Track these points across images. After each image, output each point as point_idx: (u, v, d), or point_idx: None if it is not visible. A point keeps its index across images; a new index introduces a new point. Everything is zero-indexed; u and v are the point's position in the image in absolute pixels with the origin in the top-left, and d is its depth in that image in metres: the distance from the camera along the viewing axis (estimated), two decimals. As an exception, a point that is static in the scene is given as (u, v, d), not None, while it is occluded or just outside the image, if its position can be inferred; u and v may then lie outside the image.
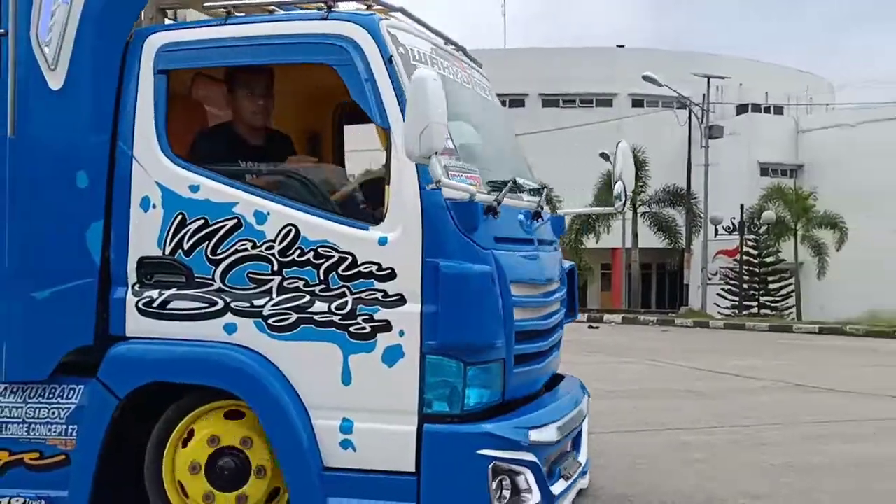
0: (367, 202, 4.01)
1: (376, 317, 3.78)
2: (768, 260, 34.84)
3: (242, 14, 4.21)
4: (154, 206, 4.04)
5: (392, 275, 3.77)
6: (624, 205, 4.90)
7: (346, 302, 3.81)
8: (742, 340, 19.75)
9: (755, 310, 33.02)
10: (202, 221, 3.98)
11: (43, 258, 4.02)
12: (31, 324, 4.01)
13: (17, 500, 4.05)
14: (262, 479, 3.97)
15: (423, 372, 3.74)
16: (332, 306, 3.82)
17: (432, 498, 3.71)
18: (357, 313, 3.80)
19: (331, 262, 3.83)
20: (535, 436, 3.95)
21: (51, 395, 4.08)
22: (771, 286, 34.76)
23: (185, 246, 3.99)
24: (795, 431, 7.69)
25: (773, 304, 34.28)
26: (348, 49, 3.87)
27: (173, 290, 4.01)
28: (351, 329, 3.80)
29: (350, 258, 3.81)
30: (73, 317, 4.03)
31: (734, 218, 33.89)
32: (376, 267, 3.78)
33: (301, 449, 3.80)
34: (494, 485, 3.74)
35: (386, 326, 3.77)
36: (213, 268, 3.96)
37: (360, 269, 3.80)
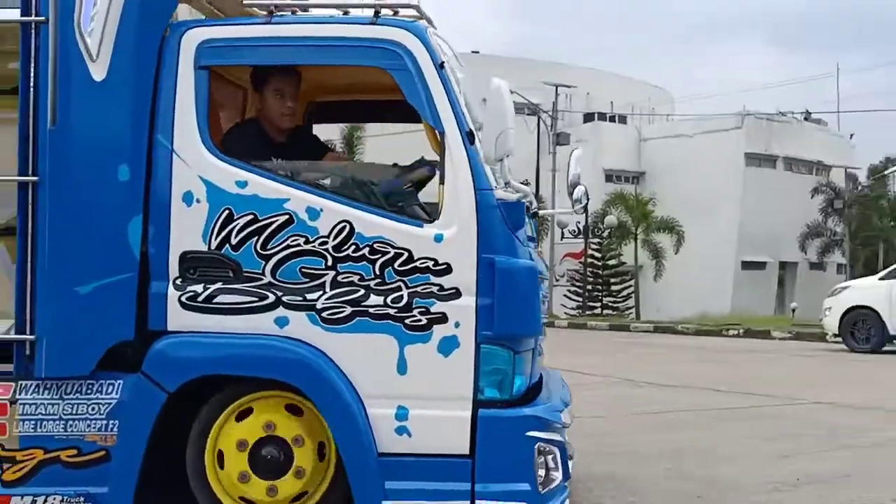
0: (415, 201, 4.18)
1: (432, 309, 3.96)
2: (610, 262, 36.69)
3: (286, 13, 4.27)
4: (198, 201, 4.06)
5: (448, 270, 3.96)
6: (585, 207, 5.13)
7: (402, 295, 3.97)
8: (583, 339, 20.79)
9: (598, 310, 34.70)
10: (251, 217, 4.03)
11: (85, 252, 3.95)
12: (72, 319, 3.93)
13: (55, 499, 3.97)
14: (298, 480, 4.05)
15: (477, 360, 3.96)
16: (388, 299, 3.97)
17: (486, 478, 3.93)
18: (413, 306, 3.96)
19: (387, 257, 3.98)
20: (563, 418, 4.27)
21: (88, 391, 4.01)
22: (613, 287, 36.61)
23: (233, 241, 4.03)
24: (625, 421, 8.33)
25: (614, 305, 36.12)
26: (402, 54, 4.03)
27: (219, 285, 4.04)
28: (407, 321, 3.97)
29: (406, 254, 3.97)
30: (115, 311, 3.98)
31: (579, 222, 35.43)
32: (433, 262, 3.97)
33: (360, 437, 3.92)
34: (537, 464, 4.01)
35: (442, 318, 3.96)
36: (263, 262, 4.02)
37: (417, 264, 3.97)
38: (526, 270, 4.01)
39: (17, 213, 3.94)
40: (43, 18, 3.89)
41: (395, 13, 4.17)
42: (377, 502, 3.90)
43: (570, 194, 4.82)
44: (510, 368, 4.01)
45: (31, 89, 3.89)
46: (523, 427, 3.98)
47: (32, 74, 3.89)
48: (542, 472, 4.05)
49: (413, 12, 4.17)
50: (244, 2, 4.25)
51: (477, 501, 3.90)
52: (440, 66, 4.04)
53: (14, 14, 3.97)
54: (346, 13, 4.21)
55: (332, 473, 4.09)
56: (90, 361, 3.98)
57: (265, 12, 4.20)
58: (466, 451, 3.95)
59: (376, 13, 4.14)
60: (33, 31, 3.91)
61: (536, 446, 3.99)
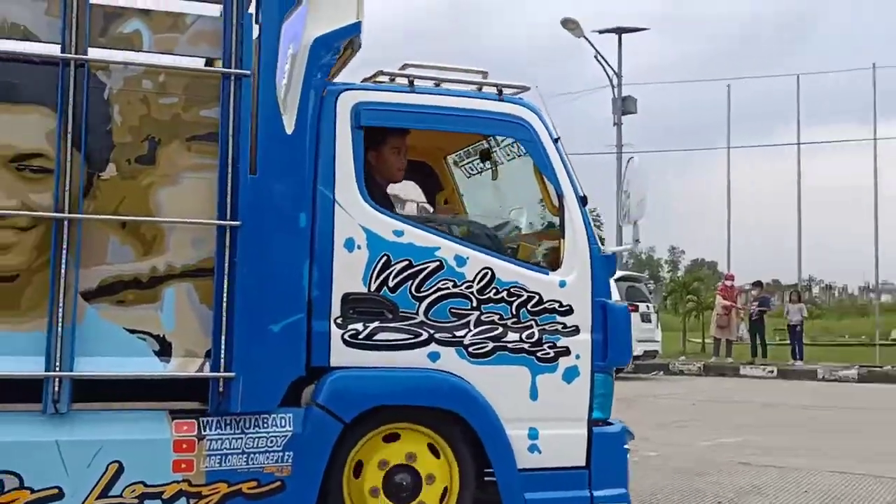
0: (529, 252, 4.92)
1: (558, 344, 4.71)
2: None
3: (427, 84, 4.79)
4: (359, 247, 4.44)
5: (570, 310, 4.74)
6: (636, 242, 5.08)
7: (534, 332, 4.67)
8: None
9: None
10: (406, 262, 4.50)
11: (275, 293, 4.17)
12: (264, 356, 4.13)
13: (232, 531, 4.09)
14: (432, 486, 4.56)
15: (592, 386, 4.77)
16: (523, 336, 4.65)
17: (599, 485, 4.73)
18: (543, 341, 4.68)
19: (521, 299, 4.66)
20: None
21: (265, 425, 4.19)
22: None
23: (391, 283, 4.47)
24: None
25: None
26: (528, 128, 4.79)
27: (378, 323, 4.45)
28: (538, 354, 4.67)
29: (537, 297, 4.69)
30: (295, 349, 4.24)
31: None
32: (558, 304, 4.72)
33: (508, 455, 4.54)
34: None
35: (566, 351, 4.72)
36: (418, 303, 4.50)
37: (546, 305, 4.70)
38: (626, 311, 4.92)
39: (216, 256, 4.06)
40: (247, 72, 4.09)
41: (516, 92, 4.92)
42: (522, 508, 4.55)
43: (629, 220, 5.05)
44: (610, 392, 4.87)
45: (231, 138, 4.06)
46: (622, 440, 4.86)
47: (232, 124, 4.06)
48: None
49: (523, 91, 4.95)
50: (384, 70, 4.73)
51: None
52: (556, 141, 4.84)
53: (216, 65, 4.11)
54: (480, 89, 4.83)
55: None
56: (277, 396, 4.19)
57: (406, 81, 4.71)
58: (583, 463, 4.73)
59: (500, 91, 4.85)
60: (233, 83, 4.08)
61: (628, 455, 4.89)
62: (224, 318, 4.04)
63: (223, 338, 4.04)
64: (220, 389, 4.06)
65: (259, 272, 4.11)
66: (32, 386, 3.91)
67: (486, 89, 4.87)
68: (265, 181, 4.15)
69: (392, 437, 4.51)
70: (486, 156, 5.51)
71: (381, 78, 4.82)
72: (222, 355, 4.04)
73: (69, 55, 3.88)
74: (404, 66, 4.77)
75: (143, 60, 4.03)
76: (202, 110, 4.09)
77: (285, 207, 4.23)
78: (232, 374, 4.05)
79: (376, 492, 4.44)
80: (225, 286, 4.05)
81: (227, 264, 4.05)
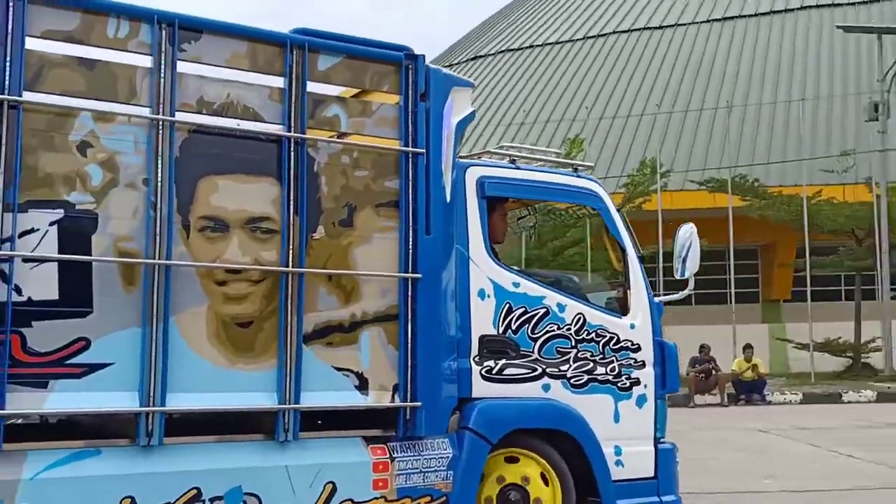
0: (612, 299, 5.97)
1: (632, 376, 5.76)
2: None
3: (525, 162, 5.78)
4: (488, 296, 5.33)
5: (639, 348, 5.82)
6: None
7: (615, 366, 5.70)
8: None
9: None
10: (523, 309, 5.43)
11: (443, 335, 4.98)
12: (439, 388, 4.91)
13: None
14: None
15: (656, 410, 5.85)
16: (608, 369, 5.67)
17: (663, 492, 5.80)
18: (621, 374, 5.72)
19: (605, 339, 5.69)
20: None
21: (433, 447, 4.93)
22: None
23: (514, 327, 5.37)
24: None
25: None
26: (600, 198, 5.89)
27: (504, 361, 5.32)
28: (618, 385, 5.70)
29: (615, 337, 5.74)
30: (455, 383, 5.04)
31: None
32: (630, 343, 5.79)
33: (607, 469, 5.51)
34: None
35: (637, 382, 5.78)
36: (533, 343, 5.43)
37: (622, 344, 5.75)
38: (675, 348, 6.05)
39: (399, 303, 4.80)
40: (422, 150, 4.92)
41: (575, 169, 6.02)
42: (616, 513, 5.53)
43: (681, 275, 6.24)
44: (665, 414, 5.96)
45: (409, 204, 4.87)
46: (675, 454, 5.95)
47: (410, 193, 4.87)
48: None
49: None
50: (491, 149, 5.69)
51: None
52: (618, 209, 5.97)
53: (394, 144, 4.91)
54: (574, 169, 5.90)
55: None
56: (445, 422, 4.96)
57: (508, 159, 5.70)
58: (653, 474, 5.78)
59: (575, 169, 5.94)
60: (410, 159, 4.90)
61: (679, 466, 5.99)
62: (408, 357, 4.79)
63: (408, 373, 4.79)
64: (407, 417, 4.78)
65: (434, 318, 4.91)
66: (256, 417, 4.48)
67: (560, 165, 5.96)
68: (436, 241, 4.97)
69: (512, 460, 5.35)
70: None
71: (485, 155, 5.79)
72: (408, 388, 4.78)
73: (291, 134, 4.57)
74: (501, 147, 5.78)
75: (351, 141, 4.79)
76: (386, 181, 4.87)
77: (447, 263, 5.06)
78: (418, 403, 4.79)
79: (490, 501, 5.26)
80: (409, 329, 4.81)
81: (409, 311, 4.82)
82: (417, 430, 4.81)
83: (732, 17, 37.10)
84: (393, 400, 4.78)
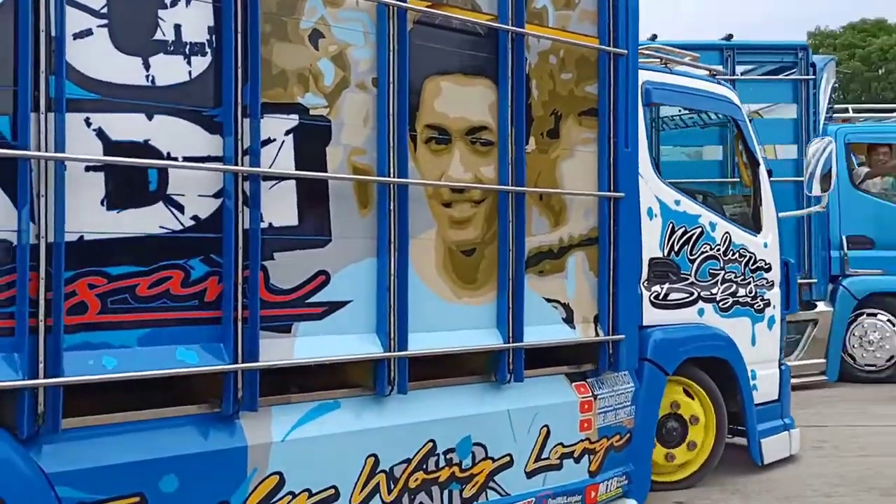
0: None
1: (765, 297, 5.53)
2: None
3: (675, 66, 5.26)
4: (656, 216, 4.89)
5: (770, 268, 5.58)
6: None
7: (752, 288, 5.44)
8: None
9: None
10: (683, 229, 5.03)
11: (637, 259, 4.62)
12: (633, 318, 4.54)
13: (610, 482, 4.41)
14: (690, 452, 5.12)
15: (781, 332, 5.66)
16: (746, 291, 5.40)
17: (784, 414, 5.69)
18: (757, 295, 5.47)
19: (745, 259, 5.40)
20: None
21: (620, 382, 4.51)
22: None
23: (676, 248, 4.99)
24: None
25: None
26: (738, 108, 5.51)
27: (668, 285, 4.95)
28: (755, 307, 5.46)
29: (753, 257, 5.46)
30: (640, 311, 4.66)
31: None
32: (763, 262, 5.53)
33: (751, 393, 5.30)
34: None
35: (769, 303, 5.55)
36: (691, 266, 5.07)
37: (759, 264, 5.49)
38: (795, 267, 5.85)
39: (600, 226, 4.28)
40: (624, 51, 4.34)
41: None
42: (758, 438, 5.34)
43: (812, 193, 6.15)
44: (784, 335, 5.80)
45: (610, 114, 4.31)
46: (790, 376, 5.83)
47: (611, 100, 4.31)
48: None
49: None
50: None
51: (789, 431, 5.64)
52: (750, 119, 5.62)
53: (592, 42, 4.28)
54: (712, 75, 5.43)
55: (710, 447, 5.21)
56: (636, 354, 4.55)
57: (662, 63, 5.19)
58: (777, 397, 5.63)
59: (713, 75, 5.51)
60: (611, 61, 4.32)
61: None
62: (610, 285, 4.32)
63: (609, 303, 4.33)
64: (611, 351, 4.34)
65: (633, 241, 4.45)
66: (472, 357, 3.92)
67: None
68: (633, 155, 4.46)
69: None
70: None
71: None
72: (609, 319, 4.33)
73: (509, 27, 3.89)
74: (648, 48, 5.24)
75: (561, 37, 4.13)
76: (587, 86, 4.28)
77: (637, 179, 4.57)
78: (622, 336, 4.35)
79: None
80: (611, 255, 4.32)
81: (611, 234, 4.32)
82: (621, 364, 4.38)
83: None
84: (596, 333, 4.32)
